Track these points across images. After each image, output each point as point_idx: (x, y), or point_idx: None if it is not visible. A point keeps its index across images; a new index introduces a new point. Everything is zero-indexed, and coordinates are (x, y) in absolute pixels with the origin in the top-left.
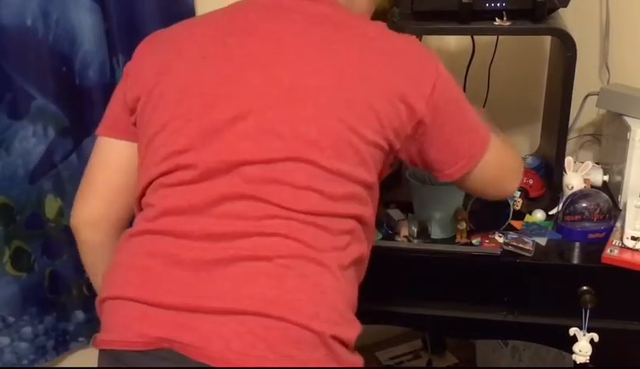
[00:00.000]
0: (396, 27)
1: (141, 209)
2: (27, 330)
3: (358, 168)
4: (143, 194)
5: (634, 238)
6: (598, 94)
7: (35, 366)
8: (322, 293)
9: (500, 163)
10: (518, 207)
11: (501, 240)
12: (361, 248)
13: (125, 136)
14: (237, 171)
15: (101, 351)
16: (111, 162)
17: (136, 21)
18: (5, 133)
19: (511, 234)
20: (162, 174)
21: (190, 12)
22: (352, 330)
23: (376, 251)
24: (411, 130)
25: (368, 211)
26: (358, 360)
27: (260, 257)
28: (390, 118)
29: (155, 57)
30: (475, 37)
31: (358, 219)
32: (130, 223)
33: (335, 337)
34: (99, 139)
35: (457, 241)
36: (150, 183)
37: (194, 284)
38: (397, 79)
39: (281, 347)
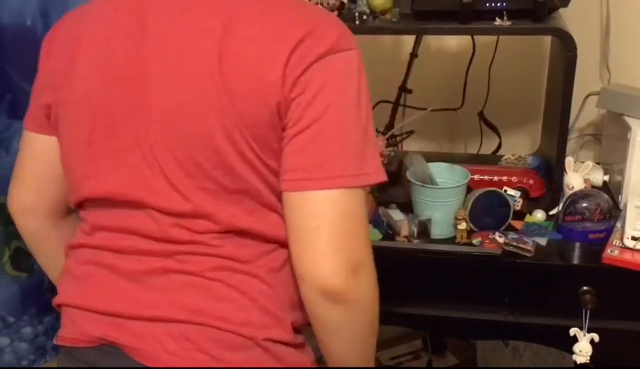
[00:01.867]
0: (396, 27)
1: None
2: (27, 330)
3: (256, 180)
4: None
5: (634, 238)
6: (598, 94)
7: (35, 366)
8: (252, 300)
9: (349, 218)
10: (518, 208)
11: (501, 240)
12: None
13: (44, 131)
14: (148, 205)
15: (60, 347)
16: (37, 155)
17: None
18: (4, 133)
19: (512, 234)
20: (81, 199)
21: None
22: (288, 328)
23: (376, 251)
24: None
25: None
26: (303, 358)
27: (188, 271)
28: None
29: (60, 55)
30: (476, 37)
31: (276, 226)
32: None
33: (269, 340)
34: (24, 131)
35: (457, 241)
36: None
37: (129, 293)
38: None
39: (215, 349)
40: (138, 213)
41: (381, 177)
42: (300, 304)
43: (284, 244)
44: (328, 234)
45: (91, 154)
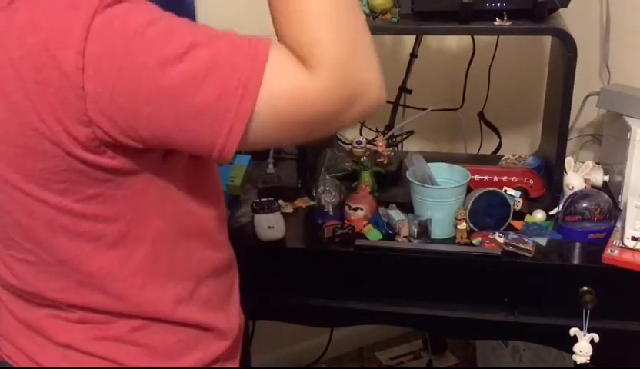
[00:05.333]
0: (396, 27)
1: None
2: None
3: (72, 248)
4: None
5: (634, 238)
6: (598, 95)
7: None
8: (124, 364)
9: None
10: (518, 208)
11: (501, 240)
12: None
13: None
14: None
15: None
16: None
17: None
18: None
19: (512, 235)
20: None
21: (190, 13)
22: None
23: (376, 251)
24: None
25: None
26: None
27: (57, 342)
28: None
29: None
30: (476, 37)
31: (121, 300)
32: None
33: None
34: None
35: (457, 241)
36: None
37: (25, 334)
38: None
39: None
40: None
41: None
42: (193, 346)
43: (145, 316)
44: None
45: None
